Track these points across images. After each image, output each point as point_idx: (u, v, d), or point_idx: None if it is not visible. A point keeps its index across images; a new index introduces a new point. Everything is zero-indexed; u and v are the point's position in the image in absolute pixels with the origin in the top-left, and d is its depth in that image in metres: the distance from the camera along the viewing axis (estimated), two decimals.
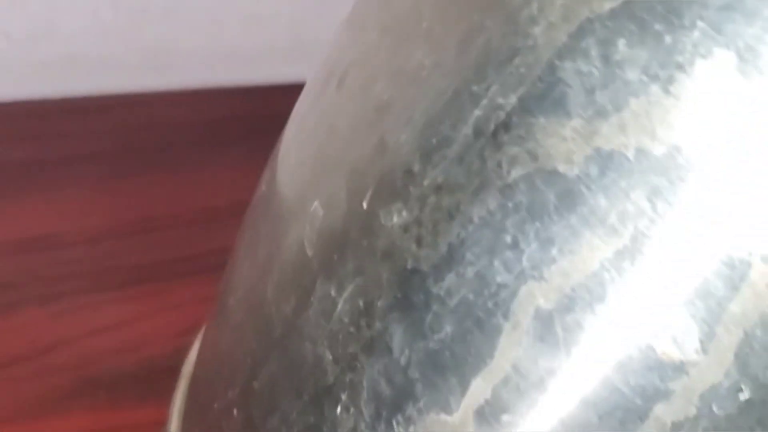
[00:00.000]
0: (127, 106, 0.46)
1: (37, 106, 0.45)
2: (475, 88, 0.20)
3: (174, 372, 0.34)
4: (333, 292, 0.23)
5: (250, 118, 0.41)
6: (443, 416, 0.22)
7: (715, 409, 0.19)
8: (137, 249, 0.41)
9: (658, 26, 0.18)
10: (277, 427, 0.26)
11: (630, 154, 0.18)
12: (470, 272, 0.20)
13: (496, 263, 0.20)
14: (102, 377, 0.39)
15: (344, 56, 0.26)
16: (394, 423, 0.22)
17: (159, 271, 0.41)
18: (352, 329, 0.23)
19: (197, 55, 0.46)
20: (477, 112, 0.20)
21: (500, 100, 0.20)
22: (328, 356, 0.24)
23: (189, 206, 0.43)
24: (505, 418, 0.21)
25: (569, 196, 0.19)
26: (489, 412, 0.21)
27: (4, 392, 0.38)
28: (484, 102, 0.20)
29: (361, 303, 0.23)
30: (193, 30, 0.44)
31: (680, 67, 0.18)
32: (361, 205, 0.22)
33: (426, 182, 0.21)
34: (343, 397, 0.23)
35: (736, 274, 0.18)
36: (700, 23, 0.18)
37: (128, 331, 0.40)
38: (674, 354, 0.19)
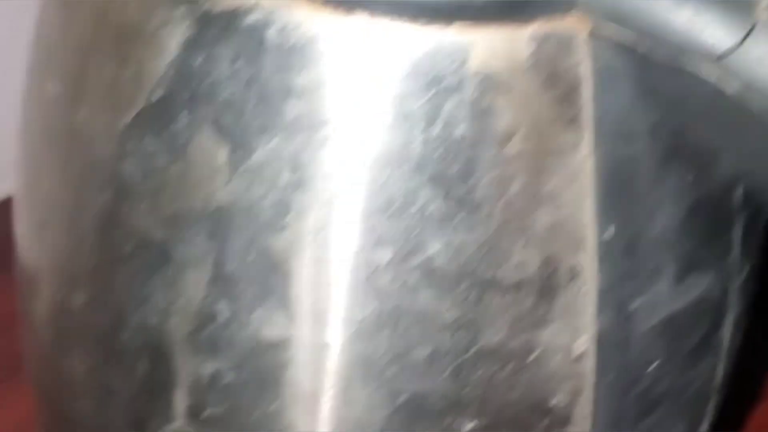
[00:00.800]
0: None
1: None
2: None
3: None
4: (67, 361, 0.30)
5: None
6: (172, 425, 0.28)
7: (324, 361, 0.26)
8: None
9: None
10: None
11: None
12: (134, 323, 0.27)
13: (148, 311, 0.27)
14: None
15: None
16: None
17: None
18: (89, 384, 0.30)
19: None
20: (91, 211, 0.26)
21: None
22: (87, 405, 0.30)
23: None
24: (205, 414, 0.27)
25: (164, 254, 0.26)
26: (194, 413, 0.27)
27: None
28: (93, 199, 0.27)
29: (88, 364, 0.29)
30: None
31: None
32: (58, 301, 0.29)
33: (88, 266, 0.28)
34: None
35: None
36: None
37: None
38: None
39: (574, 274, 0.25)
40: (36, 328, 0.31)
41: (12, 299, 0.35)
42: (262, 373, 0.26)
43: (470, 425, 0.27)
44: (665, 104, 0.23)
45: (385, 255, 0.24)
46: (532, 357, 0.26)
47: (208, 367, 0.26)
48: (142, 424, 0.29)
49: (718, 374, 0.29)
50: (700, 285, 0.26)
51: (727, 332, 0.29)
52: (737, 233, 0.26)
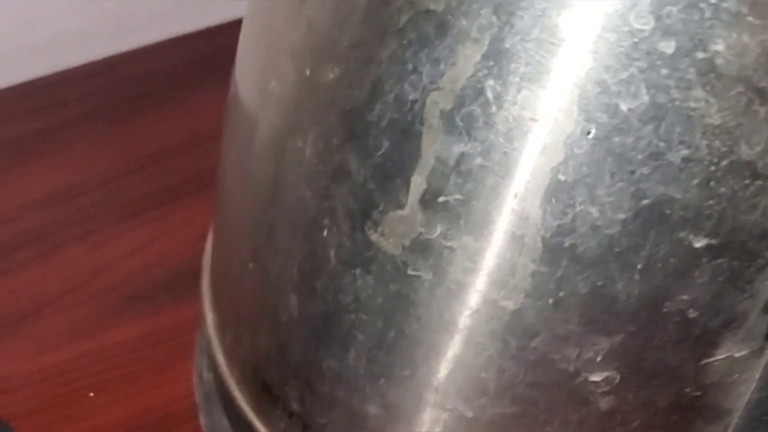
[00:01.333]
0: (107, 68, 0.53)
1: (32, 86, 0.52)
2: None
3: (198, 273, 0.41)
4: (300, 143, 0.30)
5: (213, 55, 0.47)
6: (398, 212, 0.29)
7: (575, 150, 0.26)
8: (144, 182, 0.49)
9: None
10: (284, 263, 0.33)
11: None
12: (390, 98, 0.28)
13: (406, 86, 0.27)
14: (140, 292, 0.47)
15: None
16: (366, 228, 0.30)
17: (166, 196, 0.49)
18: (320, 167, 0.30)
19: (155, 11, 0.53)
20: None
21: None
22: (308, 194, 0.31)
23: (179, 138, 0.50)
24: (440, 200, 0.28)
25: (442, 25, 0.26)
26: (428, 198, 0.28)
27: (63, 319, 0.45)
28: None
29: (321, 145, 0.30)
30: None
31: None
32: (305, 73, 0.30)
33: (345, 43, 0.28)
34: (326, 221, 0.31)
35: None
36: None
37: (153, 250, 0.47)
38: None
39: None
40: (259, 124, 0.32)
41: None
42: (511, 159, 0.27)
43: (703, 242, 0.27)
44: None
45: (668, 46, 0.25)
46: None
47: (457, 149, 0.27)
48: (369, 211, 0.29)
49: None
50: None
51: None
52: None
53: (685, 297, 0.28)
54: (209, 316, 0.40)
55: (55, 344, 0.44)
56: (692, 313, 0.29)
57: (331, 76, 0.29)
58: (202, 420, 0.44)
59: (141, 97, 0.52)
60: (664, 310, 0.29)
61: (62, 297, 0.46)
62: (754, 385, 0.32)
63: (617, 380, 0.31)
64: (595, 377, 0.30)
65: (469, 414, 0.33)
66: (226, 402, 0.41)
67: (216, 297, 0.40)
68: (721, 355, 0.30)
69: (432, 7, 0.26)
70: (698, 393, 0.31)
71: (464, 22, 0.26)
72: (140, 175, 0.49)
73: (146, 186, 0.49)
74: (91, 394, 0.43)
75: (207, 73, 0.42)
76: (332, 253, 0.31)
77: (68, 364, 0.44)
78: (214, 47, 0.50)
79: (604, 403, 0.31)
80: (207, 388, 0.43)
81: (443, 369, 0.32)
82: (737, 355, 0.30)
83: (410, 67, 0.27)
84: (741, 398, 0.32)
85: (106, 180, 0.49)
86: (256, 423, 0.39)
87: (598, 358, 0.30)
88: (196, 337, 0.43)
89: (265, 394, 0.38)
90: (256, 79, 0.32)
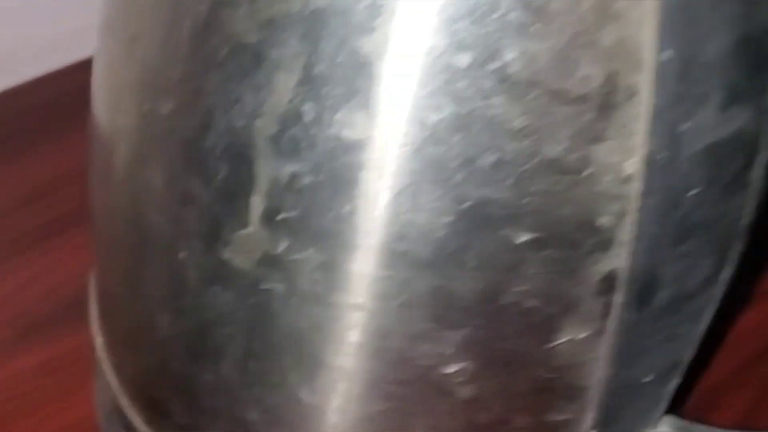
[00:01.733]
0: None
1: None
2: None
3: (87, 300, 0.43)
4: (149, 173, 0.32)
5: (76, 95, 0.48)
6: (244, 231, 0.31)
7: (394, 163, 0.28)
8: (33, 215, 0.50)
9: None
10: (151, 285, 0.35)
11: None
12: (221, 127, 0.29)
13: (233, 115, 0.29)
14: (37, 322, 0.48)
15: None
16: (218, 248, 0.32)
17: (56, 228, 0.50)
18: (168, 194, 0.32)
19: (37, 46, 0.54)
20: (188, 22, 0.29)
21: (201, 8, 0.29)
22: (162, 220, 0.33)
23: (64, 169, 0.51)
24: (279, 217, 0.30)
25: (257, 57, 0.28)
26: (269, 216, 0.30)
27: None
28: (191, 10, 0.29)
29: (168, 174, 0.31)
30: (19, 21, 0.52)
31: None
32: (145, 108, 0.31)
33: (175, 78, 0.30)
34: (181, 244, 0.33)
35: None
36: None
37: (47, 281, 0.48)
38: None
39: (631, 93, 0.27)
40: (115, 157, 0.34)
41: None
42: (338, 175, 0.28)
43: (525, 237, 0.29)
44: None
45: (464, 59, 0.26)
46: (586, 173, 0.28)
47: (288, 169, 0.29)
48: (217, 231, 0.31)
49: (745, 214, 0.32)
50: (740, 117, 0.29)
51: (756, 173, 0.31)
52: None
53: (519, 288, 0.30)
54: (98, 340, 0.42)
55: None
56: (529, 303, 0.31)
57: (167, 109, 0.30)
58: None
59: (25, 133, 0.53)
60: (502, 302, 0.31)
61: None
62: (602, 362, 0.34)
63: (472, 370, 0.33)
64: (451, 369, 0.32)
65: (344, 413, 0.35)
66: (123, 421, 0.43)
67: (102, 321, 0.42)
68: (564, 338, 0.32)
69: (246, 40, 0.28)
70: (551, 375, 0.33)
71: (276, 53, 0.27)
72: (29, 209, 0.50)
73: (36, 219, 0.50)
74: None
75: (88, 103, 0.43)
76: (192, 273, 0.33)
77: None
78: (71, 87, 0.51)
79: (465, 392, 0.33)
80: (106, 410, 0.45)
81: (308, 373, 0.33)
82: (579, 337, 0.32)
83: (234, 96, 0.28)
84: (593, 376, 0.34)
85: None
86: None
87: (451, 352, 0.32)
88: (92, 362, 0.45)
89: (155, 410, 0.39)
90: (105, 114, 0.34)
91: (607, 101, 0.27)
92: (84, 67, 0.52)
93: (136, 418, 0.41)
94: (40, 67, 0.55)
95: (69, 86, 0.55)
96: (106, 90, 0.33)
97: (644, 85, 0.27)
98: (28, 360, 0.46)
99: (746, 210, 0.32)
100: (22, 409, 0.45)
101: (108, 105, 0.33)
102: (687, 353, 0.37)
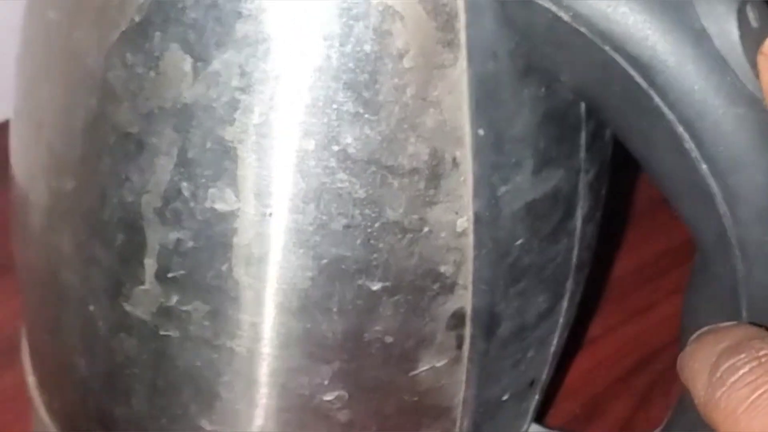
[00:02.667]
0: None
1: None
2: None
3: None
4: (60, 239, 0.37)
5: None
6: (141, 287, 0.35)
7: (261, 229, 0.33)
8: None
9: None
10: (68, 332, 0.40)
11: None
12: (115, 202, 0.34)
13: (125, 191, 0.34)
14: None
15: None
16: (121, 302, 0.36)
17: None
18: (77, 257, 0.37)
19: None
20: (81, 112, 0.34)
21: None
22: (73, 278, 0.37)
23: None
24: (169, 275, 0.35)
25: (140, 144, 0.33)
26: (161, 275, 0.35)
27: None
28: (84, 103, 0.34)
29: (75, 241, 0.36)
30: None
31: None
32: (52, 184, 0.36)
33: (75, 160, 0.35)
34: (90, 299, 0.37)
35: None
36: None
37: None
38: None
39: (455, 164, 0.33)
40: (30, 222, 0.39)
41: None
42: (215, 240, 0.33)
43: (378, 285, 0.34)
44: (520, 30, 0.30)
45: (310, 144, 0.31)
46: (425, 230, 0.33)
47: (173, 236, 0.34)
48: (119, 288, 0.36)
49: (574, 256, 0.37)
50: (553, 178, 0.34)
51: (578, 222, 0.36)
52: (583, 138, 0.34)
53: (378, 328, 0.36)
54: (30, 379, 0.47)
55: None
56: (388, 339, 0.36)
57: (70, 187, 0.35)
58: None
59: None
60: (365, 339, 0.36)
61: None
62: (463, 385, 0.39)
63: (347, 397, 0.38)
64: (328, 397, 0.37)
65: None
66: None
67: (33, 361, 0.46)
68: (424, 366, 0.37)
69: (129, 130, 0.32)
70: (416, 398, 0.39)
71: (155, 140, 0.32)
72: None
73: None
74: None
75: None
76: (101, 323, 0.37)
77: None
78: None
79: (343, 416, 0.38)
80: None
81: (206, 405, 0.38)
82: (438, 365, 0.38)
83: (123, 176, 0.33)
84: (455, 397, 0.40)
85: None
86: None
87: (326, 382, 0.37)
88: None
89: None
90: (21, 188, 0.38)
91: (434, 172, 0.32)
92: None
93: None
94: None
95: None
96: (20, 165, 0.38)
97: (465, 157, 0.33)
98: None
99: (574, 252, 0.37)
100: None
101: (22, 178, 0.38)
102: (541, 372, 0.42)
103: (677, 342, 0.57)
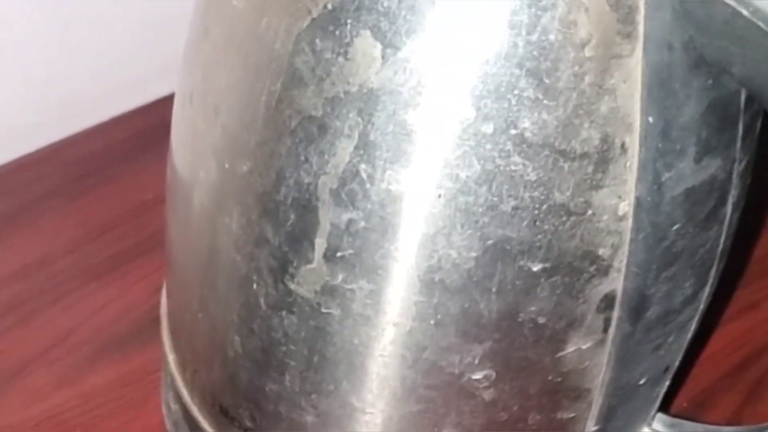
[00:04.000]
0: (58, 151, 0.61)
1: None
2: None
3: (157, 321, 0.49)
4: (227, 219, 0.38)
5: (148, 130, 0.54)
6: (309, 266, 0.37)
7: (432, 209, 0.35)
8: (102, 248, 0.57)
9: None
10: (226, 311, 0.41)
11: None
12: (291, 183, 0.36)
13: (302, 173, 0.35)
14: (110, 342, 0.54)
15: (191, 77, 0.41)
16: (286, 280, 0.38)
17: (123, 258, 0.57)
18: (244, 237, 0.38)
19: (93, 96, 0.61)
20: (264, 97, 0.35)
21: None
22: (238, 257, 0.39)
23: (127, 206, 0.58)
24: (338, 254, 0.36)
25: (322, 127, 0.34)
26: (330, 254, 0.36)
27: (46, 372, 0.53)
28: (267, 88, 0.35)
29: (244, 220, 0.38)
30: (74, 78, 0.59)
31: None
32: (225, 166, 0.38)
33: (252, 142, 0.36)
34: (254, 277, 0.39)
35: None
36: None
37: (116, 305, 0.55)
38: None
39: (623, 150, 0.34)
40: (194, 202, 0.40)
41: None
42: (386, 221, 0.35)
43: (539, 267, 0.36)
44: (696, 24, 0.32)
45: (489, 128, 0.33)
46: (588, 213, 0.35)
47: (345, 216, 0.35)
48: (285, 267, 0.38)
49: (721, 243, 0.39)
50: (711, 166, 0.35)
51: (729, 209, 0.38)
52: (740, 129, 0.36)
53: (533, 308, 0.37)
54: (170, 357, 0.48)
55: (42, 395, 0.52)
56: (541, 320, 0.37)
57: (245, 168, 0.37)
58: None
59: (91, 174, 0.60)
60: (519, 319, 0.37)
61: (44, 354, 0.53)
62: (603, 368, 0.41)
63: (494, 376, 0.39)
64: (476, 376, 0.39)
65: (385, 415, 0.41)
66: (191, 427, 0.49)
67: (174, 340, 0.48)
68: (571, 348, 0.39)
69: (313, 113, 0.34)
70: (559, 379, 0.40)
71: (338, 123, 0.34)
72: (98, 242, 0.57)
73: (105, 251, 0.57)
74: None
75: (145, 146, 0.49)
76: (262, 300, 0.39)
77: (55, 410, 0.52)
78: (149, 123, 0.58)
79: (488, 395, 0.40)
80: (175, 417, 0.51)
81: (359, 382, 0.40)
82: (584, 347, 0.39)
83: (303, 158, 0.35)
84: (595, 379, 0.41)
85: (70, 249, 0.57)
86: None
87: (476, 361, 0.39)
88: (161, 375, 0.51)
89: (222, 416, 0.46)
90: (187, 169, 0.40)
91: (603, 157, 0.34)
92: (137, 115, 0.59)
93: (204, 424, 0.47)
94: (99, 115, 0.61)
95: (125, 133, 0.62)
96: (187, 149, 0.40)
97: (633, 144, 0.34)
98: (103, 375, 0.53)
99: (722, 239, 0.39)
100: (98, 419, 0.52)
101: (189, 161, 0.40)
102: (676, 359, 0.43)
103: None
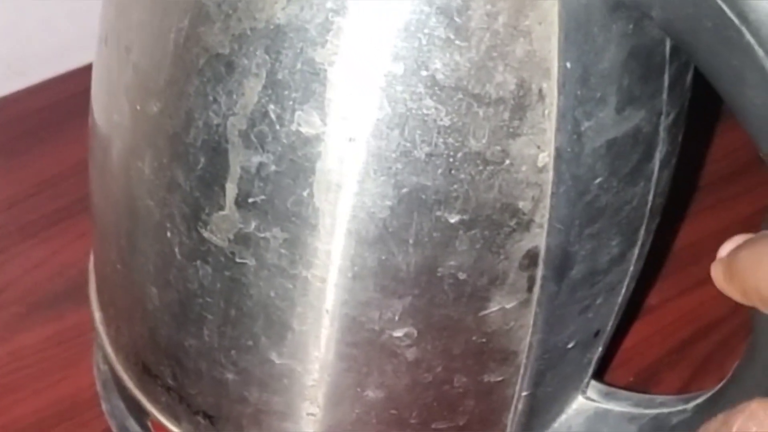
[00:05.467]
0: (2, 107, 0.60)
1: None
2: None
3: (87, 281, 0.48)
4: (140, 163, 0.37)
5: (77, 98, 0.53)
6: (221, 213, 0.36)
7: (344, 154, 0.33)
8: (41, 204, 0.56)
9: None
10: (142, 261, 0.40)
11: None
12: (200, 124, 0.35)
13: (211, 114, 0.34)
14: (44, 300, 0.53)
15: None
16: (199, 228, 0.37)
17: (61, 216, 0.56)
18: (157, 181, 0.37)
19: (41, 54, 0.60)
20: (172, 35, 0.34)
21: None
22: (151, 203, 0.38)
23: (69, 164, 0.57)
24: (250, 200, 0.35)
25: (230, 65, 0.33)
26: (241, 200, 0.35)
27: None
28: (175, 25, 0.34)
29: (156, 164, 0.37)
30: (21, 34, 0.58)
31: None
32: (136, 108, 0.37)
33: (162, 82, 0.35)
34: (168, 224, 0.38)
35: None
36: None
37: (53, 263, 0.54)
38: None
39: (540, 97, 0.33)
40: (111, 148, 0.39)
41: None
42: (297, 165, 0.34)
43: (456, 218, 0.35)
44: None
45: (399, 68, 0.32)
46: (506, 163, 0.34)
47: (256, 160, 0.34)
48: (198, 214, 0.36)
49: (649, 201, 0.37)
50: (635, 117, 0.34)
51: (656, 165, 0.37)
52: (666, 80, 0.34)
53: (452, 263, 0.36)
54: (97, 315, 0.47)
55: None
56: (462, 275, 0.36)
57: (155, 109, 0.36)
58: (104, 406, 0.51)
59: (33, 131, 0.59)
60: (438, 274, 0.36)
61: None
62: (530, 330, 0.39)
63: (415, 334, 0.38)
64: (398, 333, 0.38)
65: (306, 373, 0.40)
66: (119, 387, 0.48)
67: (100, 297, 0.47)
68: (494, 307, 0.38)
69: (220, 51, 0.33)
70: (484, 340, 0.39)
71: (245, 61, 0.33)
72: (37, 198, 0.56)
73: (43, 208, 0.56)
74: None
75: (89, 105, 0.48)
76: (177, 250, 0.38)
77: None
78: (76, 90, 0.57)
79: (410, 354, 0.39)
80: (104, 378, 0.50)
81: (277, 336, 0.39)
82: (508, 306, 0.38)
83: (211, 98, 0.34)
84: (522, 342, 0.40)
85: (8, 205, 0.56)
86: (143, 401, 0.46)
87: (396, 318, 0.37)
88: (93, 335, 0.50)
89: (146, 375, 0.45)
90: (103, 112, 0.39)
91: (520, 103, 0.33)
92: (84, 73, 0.58)
93: (129, 384, 0.46)
94: (46, 72, 0.60)
95: (72, 90, 0.60)
96: (103, 92, 0.39)
97: (551, 90, 0.33)
98: (35, 334, 0.52)
99: (650, 197, 0.38)
100: (28, 378, 0.51)
101: (105, 105, 0.39)
102: (607, 323, 0.42)
103: (734, 315, 0.57)
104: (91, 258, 0.47)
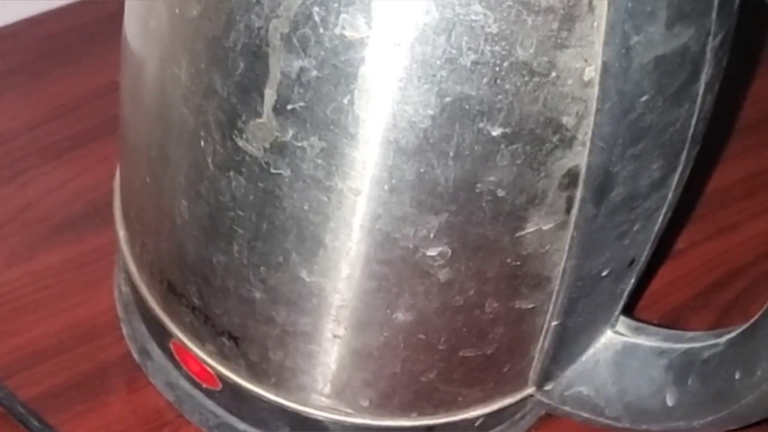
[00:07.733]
0: (27, 28, 0.59)
1: None
2: None
3: (110, 204, 0.48)
4: (176, 69, 0.37)
5: (119, 13, 0.52)
6: (258, 120, 0.35)
7: (388, 59, 0.33)
8: (64, 126, 0.55)
9: None
10: (173, 172, 0.40)
11: None
12: (241, 27, 0.34)
13: (252, 16, 0.34)
14: (65, 222, 0.53)
15: None
16: (234, 136, 0.36)
17: (84, 138, 0.55)
18: (193, 87, 0.37)
19: None
20: None
21: None
22: (185, 111, 0.37)
23: (94, 86, 0.56)
24: (288, 107, 0.35)
25: None
26: (279, 107, 0.35)
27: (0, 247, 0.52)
28: None
29: (193, 69, 0.36)
30: None
31: None
32: (175, 11, 0.36)
33: None
34: (202, 133, 0.37)
35: None
36: None
37: (74, 185, 0.54)
38: None
39: (590, 8, 0.32)
40: (146, 55, 0.39)
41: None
42: (339, 70, 0.33)
43: (498, 131, 0.34)
44: None
45: None
46: (552, 75, 0.33)
47: (296, 65, 0.34)
48: (234, 121, 0.36)
49: (692, 125, 0.37)
50: (684, 35, 0.34)
51: (701, 87, 0.36)
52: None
53: (492, 178, 0.35)
54: (121, 234, 0.47)
55: None
56: (501, 193, 0.36)
57: (195, 12, 0.35)
58: (124, 328, 0.51)
59: (58, 53, 0.58)
60: (477, 190, 0.35)
61: None
62: (565, 255, 0.39)
63: (449, 254, 0.37)
64: (431, 252, 0.37)
65: (335, 292, 0.39)
66: (141, 309, 0.48)
67: (125, 215, 0.46)
68: (531, 228, 0.37)
69: None
70: (518, 263, 0.38)
71: None
72: (61, 120, 0.55)
73: (66, 130, 0.55)
74: None
75: (117, 29, 0.48)
76: (210, 160, 0.37)
77: (4, 287, 0.50)
78: (122, 5, 0.56)
79: (443, 275, 0.38)
80: (125, 300, 0.50)
81: (309, 253, 0.38)
82: (545, 227, 0.37)
83: (254, 0, 0.33)
84: (556, 267, 0.39)
85: (31, 127, 0.55)
86: (167, 322, 0.46)
87: (431, 235, 0.37)
88: (115, 258, 0.50)
89: (170, 294, 0.44)
90: (138, 20, 0.38)
91: (569, 14, 0.32)
92: None
93: (152, 304, 0.46)
94: None
95: (96, 14, 0.60)
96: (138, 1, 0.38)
97: (601, 1, 0.32)
98: (56, 255, 0.51)
99: (693, 120, 0.37)
100: (47, 299, 0.50)
101: (141, 13, 0.38)
102: (642, 252, 0.42)
103: (760, 262, 0.57)
104: (117, 176, 0.47)
